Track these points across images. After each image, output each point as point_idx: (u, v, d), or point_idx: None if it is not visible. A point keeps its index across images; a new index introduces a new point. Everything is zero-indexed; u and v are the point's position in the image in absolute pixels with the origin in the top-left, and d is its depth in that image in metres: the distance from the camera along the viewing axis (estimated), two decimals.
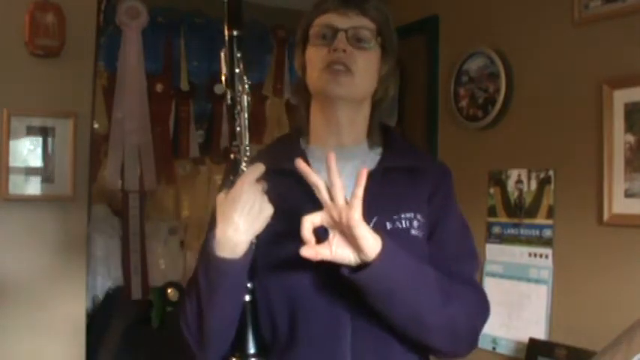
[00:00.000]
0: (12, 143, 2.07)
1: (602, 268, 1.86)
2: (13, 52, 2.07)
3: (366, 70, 1.18)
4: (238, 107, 1.10)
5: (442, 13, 2.52)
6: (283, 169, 1.13)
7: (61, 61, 2.14)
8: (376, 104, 1.25)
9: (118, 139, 2.65)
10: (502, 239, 2.20)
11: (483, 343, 2.23)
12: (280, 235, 1.11)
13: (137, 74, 2.68)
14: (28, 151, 2.10)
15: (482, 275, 2.26)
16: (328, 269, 1.06)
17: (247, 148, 1.10)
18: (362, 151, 1.23)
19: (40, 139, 2.12)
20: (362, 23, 1.18)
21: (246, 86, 1.10)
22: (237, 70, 1.10)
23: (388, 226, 1.14)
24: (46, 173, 2.13)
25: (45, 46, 2.09)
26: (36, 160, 2.12)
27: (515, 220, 2.15)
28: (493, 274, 2.22)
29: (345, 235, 1.02)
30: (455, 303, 1.12)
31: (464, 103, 2.35)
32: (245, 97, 1.10)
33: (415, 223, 1.17)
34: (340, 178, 1.02)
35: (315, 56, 1.18)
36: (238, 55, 1.10)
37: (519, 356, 2.07)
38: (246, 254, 1.06)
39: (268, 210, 1.06)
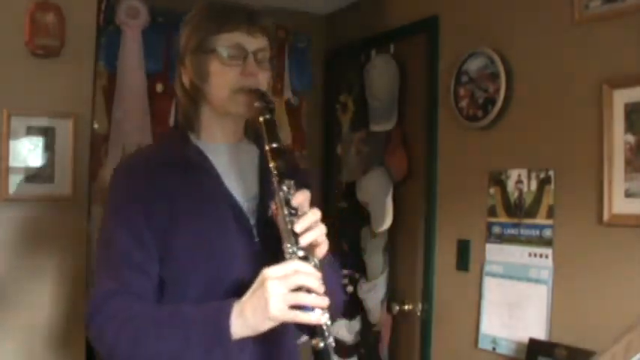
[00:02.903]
0: (12, 143, 2.07)
1: (602, 268, 1.86)
2: (13, 52, 2.07)
3: (266, 88, 1.31)
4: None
5: (442, 13, 2.52)
6: (189, 163, 1.27)
7: (61, 61, 2.14)
8: None
9: (118, 139, 2.65)
10: (502, 239, 2.20)
11: (483, 343, 2.23)
12: (204, 230, 1.24)
13: (137, 74, 2.68)
14: (28, 151, 2.10)
15: (482, 275, 2.26)
16: (255, 263, 1.17)
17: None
18: (246, 146, 1.39)
19: (40, 139, 2.12)
20: (264, 44, 1.31)
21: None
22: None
23: None
24: (46, 173, 2.13)
25: (45, 46, 2.09)
26: (36, 160, 2.11)
27: (515, 220, 2.15)
28: (493, 274, 2.22)
29: None
30: None
31: (464, 103, 2.35)
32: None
33: None
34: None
35: (225, 75, 1.27)
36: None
37: (519, 356, 2.07)
38: None
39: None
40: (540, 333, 2.02)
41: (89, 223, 2.31)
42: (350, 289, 2.86)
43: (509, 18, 2.21)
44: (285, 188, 1.15)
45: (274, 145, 1.19)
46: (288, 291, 1.06)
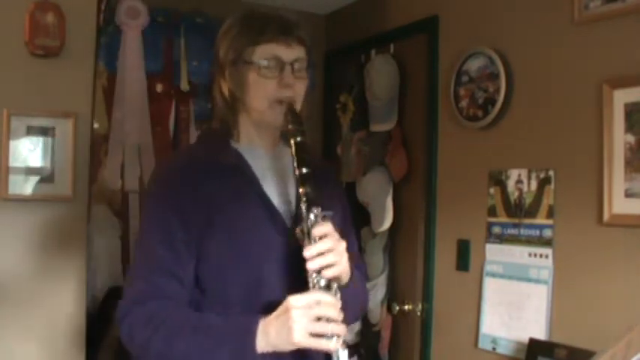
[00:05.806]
0: (12, 143, 2.07)
1: (602, 268, 1.86)
2: (13, 52, 2.07)
3: (303, 96, 1.35)
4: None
5: (442, 13, 2.52)
6: (228, 166, 1.31)
7: (61, 61, 2.14)
8: None
9: (118, 139, 2.65)
10: (502, 239, 2.20)
11: (483, 343, 2.23)
12: (240, 231, 1.27)
13: (137, 74, 2.68)
14: (28, 151, 2.10)
15: (482, 275, 2.26)
16: (291, 263, 1.24)
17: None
18: (283, 150, 1.41)
19: (40, 139, 2.12)
20: (301, 54, 1.33)
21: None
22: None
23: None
24: (46, 173, 2.13)
25: (45, 46, 2.09)
26: (36, 160, 2.12)
27: (515, 220, 2.15)
28: (493, 274, 2.22)
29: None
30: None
31: (464, 103, 2.35)
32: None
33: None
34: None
35: (262, 86, 1.30)
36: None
37: (519, 356, 2.07)
38: None
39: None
40: (540, 333, 2.02)
41: (89, 223, 2.32)
42: None
43: (509, 18, 2.22)
44: (312, 217, 1.21)
45: (304, 171, 1.23)
46: (310, 321, 1.13)
